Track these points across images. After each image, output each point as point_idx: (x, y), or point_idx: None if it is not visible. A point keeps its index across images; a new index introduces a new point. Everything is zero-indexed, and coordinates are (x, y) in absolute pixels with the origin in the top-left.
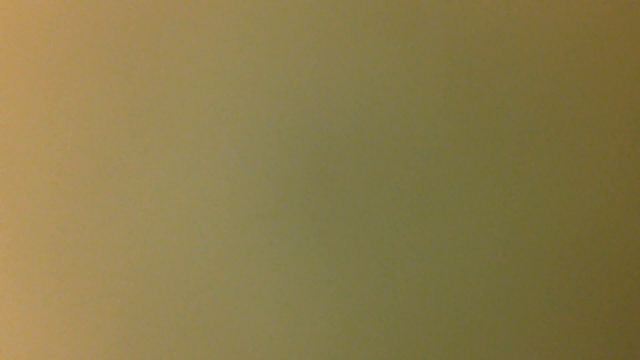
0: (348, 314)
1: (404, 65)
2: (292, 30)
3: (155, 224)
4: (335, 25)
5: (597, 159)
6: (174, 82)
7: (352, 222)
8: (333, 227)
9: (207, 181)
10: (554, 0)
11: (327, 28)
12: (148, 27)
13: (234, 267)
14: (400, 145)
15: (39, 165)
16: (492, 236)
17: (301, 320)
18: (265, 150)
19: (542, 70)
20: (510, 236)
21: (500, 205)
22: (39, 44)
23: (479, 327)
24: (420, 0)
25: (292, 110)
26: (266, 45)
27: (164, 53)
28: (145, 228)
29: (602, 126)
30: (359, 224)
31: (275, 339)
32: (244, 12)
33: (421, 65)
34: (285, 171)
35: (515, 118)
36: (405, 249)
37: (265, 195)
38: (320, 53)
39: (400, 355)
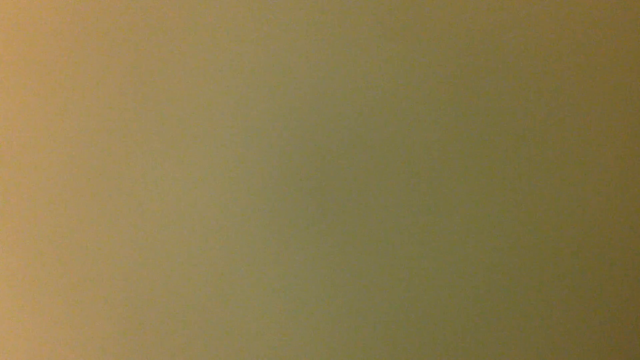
0: (348, 313)
1: (404, 65)
2: (291, 30)
3: (156, 224)
4: (335, 26)
5: (597, 159)
6: (174, 83)
7: (353, 222)
8: (333, 226)
9: (207, 181)
10: (554, 0)
11: (327, 28)
12: (148, 27)
13: (234, 267)
14: (400, 145)
15: (39, 166)
16: (492, 236)
17: (302, 319)
18: (265, 150)
19: (542, 71)
20: (511, 237)
21: (500, 205)
22: (39, 44)
23: (479, 326)
24: (420, 1)
25: (293, 109)
26: (266, 45)
27: (164, 53)
28: (145, 228)
29: (602, 126)
30: (359, 223)
31: (276, 338)
32: (244, 13)
33: (421, 65)
34: (286, 171)
35: (515, 118)
36: (406, 248)
37: (265, 194)
38: (321, 53)
39: (401, 354)
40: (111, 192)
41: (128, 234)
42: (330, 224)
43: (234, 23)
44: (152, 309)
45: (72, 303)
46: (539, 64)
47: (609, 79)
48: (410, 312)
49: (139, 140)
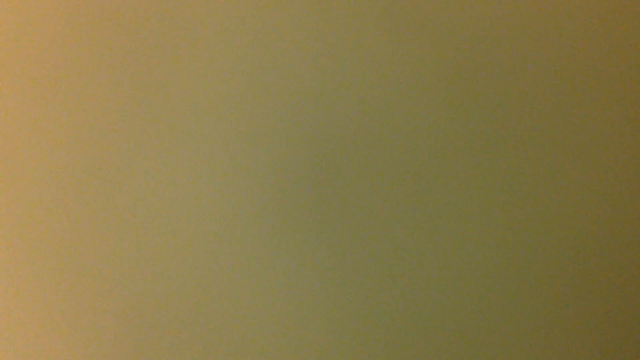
0: (348, 312)
1: (404, 66)
2: (292, 30)
3: (156, 224)
4: (336, 26)
5: (597, 159)
6: (174, 83)
7: (353, 221)
8: (333, 226)
9: (208, 181)
10: (554, 0)
11: (328, 28)
12: (148, 27)
13: (234, 267)
14: (400, 145)
15: (39, 166)
16: (492, 236)
17: (301, 319)
18: (265, 150)
19: (542, 70)
20: (510, 236)
21: (500, 205)
22: (40, 44)
23: (479, 326)
24: (420, 1)
25: (293, 109)
26: (266, 45)
27: (164, 53)
28: (145, 228)
29: (602, 126)
30: (359, 223)
31: (276, 338)
32: (244, 13)
33: (421, 65)
34: (286, 170)
35: (515, 118)
36: (406, 247)
37: (265, 194)
38: (321, 53)
39: (401, 354)
40: (111, 192)
41: (128, 234)
42: (330, 224)
43: (234, 23)
44: (151, 309)
45: (72, 303)
46: (539, 64)
47: (609, 79)
48: (410, 312)
49: (140, 140)
